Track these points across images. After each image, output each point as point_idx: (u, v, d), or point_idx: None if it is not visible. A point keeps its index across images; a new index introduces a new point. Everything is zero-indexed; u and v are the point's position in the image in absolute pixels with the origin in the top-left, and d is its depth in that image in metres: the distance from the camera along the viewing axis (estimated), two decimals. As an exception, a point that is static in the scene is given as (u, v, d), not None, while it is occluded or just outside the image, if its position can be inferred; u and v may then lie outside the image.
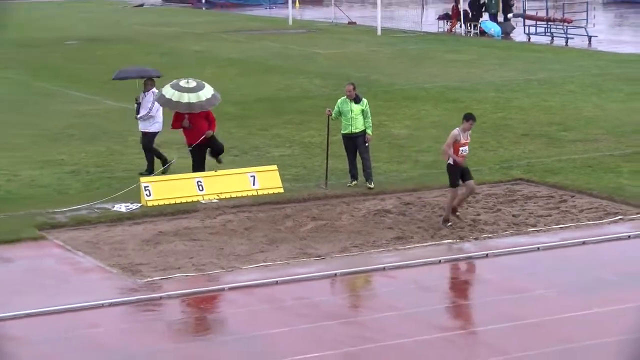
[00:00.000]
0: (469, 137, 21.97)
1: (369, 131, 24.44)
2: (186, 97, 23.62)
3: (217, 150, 24.56)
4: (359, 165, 24.61)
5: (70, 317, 17.26)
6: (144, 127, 25.96)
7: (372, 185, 24.34)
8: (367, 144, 24.40)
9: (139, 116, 25.86)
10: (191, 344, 16.16)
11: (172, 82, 24.24)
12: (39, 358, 15.65)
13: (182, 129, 24.57)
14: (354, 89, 24.72)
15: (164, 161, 25.96)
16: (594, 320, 16.94)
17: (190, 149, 24.40)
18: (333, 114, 24.62)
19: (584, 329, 16.56)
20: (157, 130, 26.02)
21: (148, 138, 25.96)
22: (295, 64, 47.43)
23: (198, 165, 24.55)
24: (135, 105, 26.05)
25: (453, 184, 21.66)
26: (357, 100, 24.49)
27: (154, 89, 25.78)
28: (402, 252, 20.37)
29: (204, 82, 24.43)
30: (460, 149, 21.62)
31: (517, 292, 18.34)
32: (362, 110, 24.39)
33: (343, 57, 50.00)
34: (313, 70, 45.16)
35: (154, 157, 25.93)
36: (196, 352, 15.84)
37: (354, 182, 24.58)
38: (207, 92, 24.04)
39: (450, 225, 21.48)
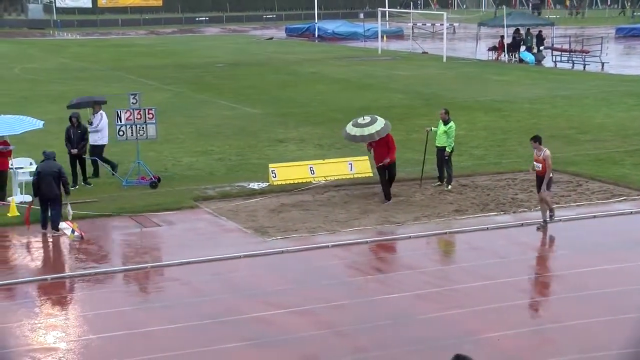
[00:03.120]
0: (540, 156, 19.47)
1: (447, 149, 23.00)
2: (367, 131, 22.05)
3: (391, 177, 22.45)
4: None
5: (216, 264, 17.43)
6: (93, 140, 24.20)
7: (448, 188, 23.01)
8: (446, 158, 23.08)
9: (90, 127, 24.32)
10: (303, 285, 16.20)
11: (353, 122, 22.73)
12: (195, 293, 15.82)
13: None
14: (445, 113, 23.22)
15: (113, 166, 24.52)
16: (603, 274, 16.69)
17: (377, 167, 22.54)
18: (433, 130, 23.45)
19: (595, 280, 16.31)
20: (104, 143, 24.52)
21: (98, 150, 24.43)
22: (382, 83, 47.26)
23: (382, 181, 22.34)
24: (88, 124, 24.45)
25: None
26: (446, 122, 23.09)
27: (102, 111, 24.71)
28: (459, 221, 20.24)
29: (376, 116, 22.84)
30: (534, 163, 19.73)
31: (544, 251, 18.14)
32: (445, 132, 23.02)
33: (417, 77, 49.69)
34: (396, 87, 44.95)
35: (107, 162, 24.59)
36: (305, 290, 15.88)
37: (437, 183, 23.39)
38: (380, 124, 22.23)
39: (552, 217, 19.71)
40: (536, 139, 19.61)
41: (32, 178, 22.61)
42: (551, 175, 19.65)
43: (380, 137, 22.02)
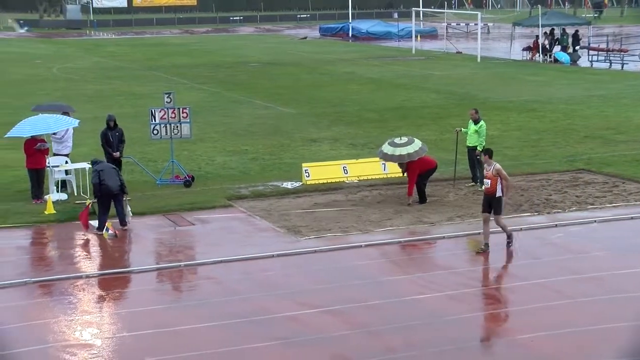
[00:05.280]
0: (490, 171, 17.69)
1: (479, 147, 22.70)
2: (398, 151, 21.79)
3: (421, 193, 21.90)
4: None
5: (249, 263, 17.47)
6: (57, 149, 23.51)
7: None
8: (478, 157, 22.75)
9: (53, 137, 23.34)
10: (335, 284, 16.18)
11: (389, 141, 22.31)
12: (227, 292, 15.87)
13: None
14: (476, 112, 23.15)
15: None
16: (639, 276, 16.54)
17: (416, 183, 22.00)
18: (463, 131, 23.35)
19: (630, 282, 16.15)
20: (67, 152, 23.71)
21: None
22: (416, 82, 47.15)
23: (418, 193, 22.02)
24: (52, 134, 23.18)
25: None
26: (476, 121, 22.94)
27: None
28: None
29: (414, 138, 22.38)
30: (484, 180, 18.15)
31: (578, 252, 17.98)
32: (476, 131, 22.86)
33: (451, 77, 49.54)
34: (429, 87, 44.84)
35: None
36: (337, 290, 15.86)
37: (471, 183, 23.29)
38: (415, 146, 21.83)
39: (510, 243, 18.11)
40: (486, 152, 18.09)
41: (68, 176, 22.92)
42: (502, 194, 17.71)
43: (411, 159, 21.65)
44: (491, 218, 17.91)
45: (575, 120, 33.54)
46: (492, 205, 17.75)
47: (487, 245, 17.89)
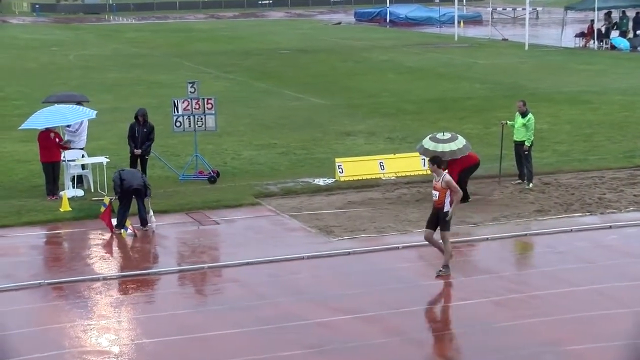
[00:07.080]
0: (439, 183, 16.56)
1: (527, 143, 22.68)
2: (440, 147, 21.34)
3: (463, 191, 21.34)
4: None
5: (278, 265, 17.51)
6: (71, 144, 23.42)
7: (529, 186, 22.73)
8: (526, 152, 22.81)
9: (67, 130, 23.57)
10: (370, 288, 16.18)
11: (431, 136, 22.02)
12: (254, 295, 15.90)
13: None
14: (523, 105, 22.89)
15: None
16: (699, 282, 16.41)
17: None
18: (509, 124, 23.18)
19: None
20: (82, 146, 23.72)
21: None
22: (458, 72, 47.01)
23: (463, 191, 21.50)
24: (65, 126, 23.41)
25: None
26: (523, 114, 22.77)
27: None
28: (541, 222, 20.05)
29: (457, 134, 22.16)
30: (432, 192, 16.96)
31: (637, 256, 17.83)
32: (524, 124, 22.69)
33: (497, 66, 49.34)
34: (473, 77, 44.69)
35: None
36: (372, 294, 15.85)
37: (517, 181, 23.15)
38: (459, 143, 21.57)
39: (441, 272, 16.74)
40: (434, 161, 16.81)
41: (84, 171, 23.09)
42: (450, 209, 16.55)
43: (454, 157, 21.25)
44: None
45: (634, 113, 33.26)
46: (438, 219, 16.72)
47: (447, 267, 16.75)
